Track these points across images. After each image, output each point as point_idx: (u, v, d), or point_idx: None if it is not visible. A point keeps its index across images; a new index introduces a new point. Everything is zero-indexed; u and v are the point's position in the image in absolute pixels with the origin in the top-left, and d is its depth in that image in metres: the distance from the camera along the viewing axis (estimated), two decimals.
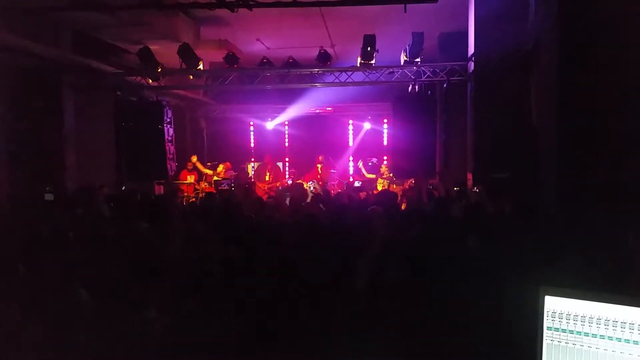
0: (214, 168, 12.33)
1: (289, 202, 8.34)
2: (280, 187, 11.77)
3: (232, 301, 2.97)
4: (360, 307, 2.98)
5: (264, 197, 9.37)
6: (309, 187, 10.99)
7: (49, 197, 7.17)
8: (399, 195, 8.25)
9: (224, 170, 12.20)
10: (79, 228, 4.69)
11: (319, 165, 12.64)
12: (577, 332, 1.51)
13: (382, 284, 3.23)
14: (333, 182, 12.82)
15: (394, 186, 11.13)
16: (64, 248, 4.08)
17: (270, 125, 15.12)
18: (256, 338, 2.80)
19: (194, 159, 12.01)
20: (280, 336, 2.78)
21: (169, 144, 10.50)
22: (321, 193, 9.01)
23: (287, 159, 15.11)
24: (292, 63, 10.17)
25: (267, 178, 12.72)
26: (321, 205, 6.44)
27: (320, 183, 11.70)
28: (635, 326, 1.44)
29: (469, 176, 8.86)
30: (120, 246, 3.87)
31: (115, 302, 3.14)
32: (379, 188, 11.26)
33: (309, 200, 7.58)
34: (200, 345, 2.77)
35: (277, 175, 13.15)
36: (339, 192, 9.51)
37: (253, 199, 7.28)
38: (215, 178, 11.92)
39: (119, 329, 2.96)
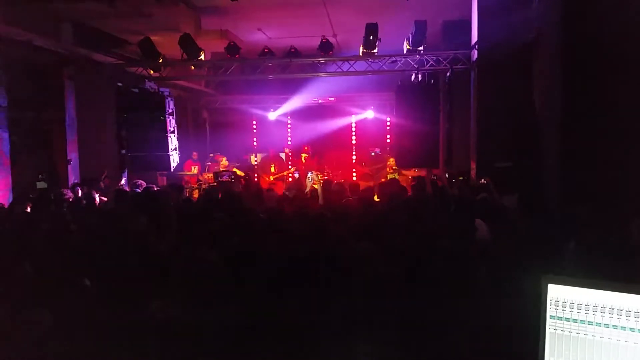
0: (216, 162, 12.42)
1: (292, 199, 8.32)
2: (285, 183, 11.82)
3: (232, 293, 2.97)
4: (363, 295, 2.97)
5: (268, 187, 9.38)
6: (308, 178, 10.96)
7: (41, 185, 7.09)
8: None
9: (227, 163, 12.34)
10: (79, 220, 4.69)
11: (304, 155, 12.68)
12: (580, 320, 1.49)
13: (386, 273, 3.22)
14: (335, 173, 12.83)
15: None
16: (65, 240, 4.09)
17: (272, 116, 15.09)
18: (257, 330, 2.79)
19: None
20: (281, 329, 2.77)
21: (171, 135, 10.48)
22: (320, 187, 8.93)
23: (289, 150, 15.12)
24: (293, 53, 10.08)
25: (272, 169, 12.77)
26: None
27: (318, 175, 11.68)
28: None
29: (473, 165, 8.82)
30: (120, 239, 3.87)
31: (117, 294, 3.14)
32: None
33: (307, 190, 7.52)
34: (201, 337, 2.76)
35: (282, 166, 13.20)
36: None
37: (252, 191, 7.27)
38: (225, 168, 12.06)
39: (121, 321, 2.96)
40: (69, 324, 2.89)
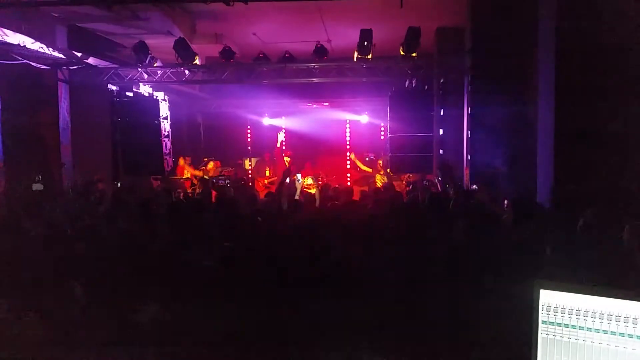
0: (204, 166, 12.34)
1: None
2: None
3: (226, 295, 2.97)
4: (358, 302, 2.98)
5: (263, 192, 9.38)
6: (297, 180, 10.94)
7: (37, 187, 7.01)
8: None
9: (214, 168, 12.21)
10: (74, 224, 4.68)
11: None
12: (572, 325, 1.51)
13: (382, 279, 3.24)
14: (329, 178, 12.85)
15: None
16: (60, 243, 4.08)
17: (267, 120, 15.09)
18: (254, 333, 2.79)
19: (182, 161, 11.98)
20: (279, 330, 2.78)
21: (166, 139, 10.47)
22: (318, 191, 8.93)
23: (284, 154, 15.13)
24: (288, 58, 10.11)
25: (267, 173, 12.76)
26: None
27: (318, 179, 11.68)
28: (630, 319, 1.44)
29: (466, 171, 8.86)
30: (114, 242, 3.87)
31: (110, 297, 3.14)
32: (378, 184, 11.27)
33: (297, 194, 7.51)
34: (197, 339, 2.77)
35: (277, 170, 13.19)
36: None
37: (247, 195, 7.27)
38: (204, 176, 11.94)
39: (114, 323, 2.96)
40: (62, 327, 2.89)
